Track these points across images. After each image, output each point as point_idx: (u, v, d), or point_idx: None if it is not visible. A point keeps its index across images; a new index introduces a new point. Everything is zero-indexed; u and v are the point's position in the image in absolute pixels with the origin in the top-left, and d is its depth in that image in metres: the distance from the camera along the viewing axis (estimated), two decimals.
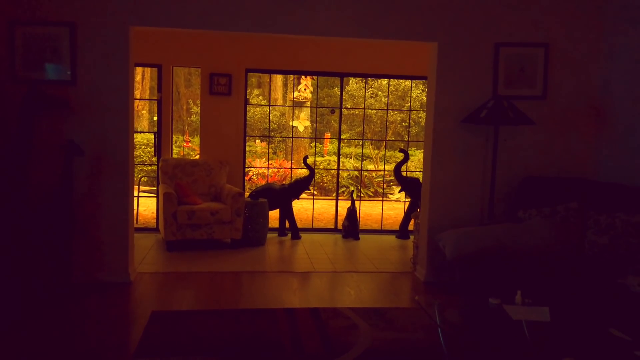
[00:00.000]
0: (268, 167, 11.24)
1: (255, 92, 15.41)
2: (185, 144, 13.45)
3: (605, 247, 3.85)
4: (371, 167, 13.08)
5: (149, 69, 13.61)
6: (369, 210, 9.98)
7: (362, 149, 11.65)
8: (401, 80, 13.19)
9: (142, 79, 15.73)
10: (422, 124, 13.69)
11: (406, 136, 13.44)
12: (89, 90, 4.58)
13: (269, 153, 10.25)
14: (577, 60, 5.04)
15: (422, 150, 13.08)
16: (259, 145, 13.87)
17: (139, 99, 14.91)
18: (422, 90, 13.55)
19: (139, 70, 15.26)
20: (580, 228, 4.05)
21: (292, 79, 13.60)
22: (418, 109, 12.97)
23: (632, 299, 3.08)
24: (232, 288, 4.82)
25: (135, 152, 12.06)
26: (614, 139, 4.84)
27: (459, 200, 5.03)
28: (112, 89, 4.61)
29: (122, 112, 4.64)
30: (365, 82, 13.25)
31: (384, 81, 13.46)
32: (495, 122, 4.65)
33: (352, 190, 8.42)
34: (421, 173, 10.41)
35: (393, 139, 13.89)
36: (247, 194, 7.12)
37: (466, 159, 5.02)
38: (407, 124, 13.37)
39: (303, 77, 12.72)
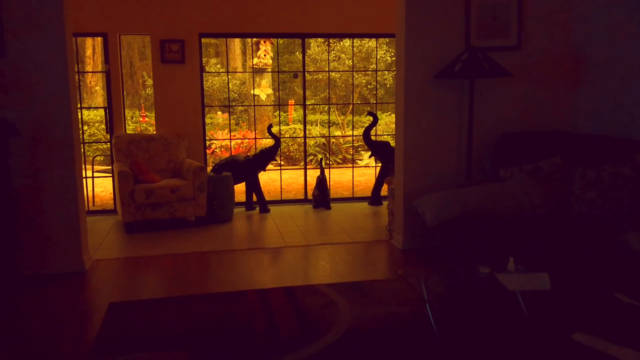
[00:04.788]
0: (230, 139, 10.78)
1: (213, 61, 14.79)
2: (141, 119, 12.83)
3: (593, 202, 3.62)
4: (338, 133, 12.73)
5: (100, 42, 12.84)
6: (339, 178, 9.68)
7: (329, 115, 11.27)
8: (365, 41, 12.77)
9: (93, 53, 14.92)
10: (388, 85, 13.37)
11: (372, 99, 13.11)
12: (21, 63, 4.06)
13: (230, 124, 9.77)
14: (553, 6, 4.73)
15: (389, 113, 12.82)
16: (220, 117, 13.33)
17: (83, 72, 14.10)
18: (386, 51, 13.17)
19: (89, 43, 14.44)
20: (566, 184, 3.81)
21: (250, 44, 13.03)
22: (382, 69, 12.61)
23: (634, 259, 2.84)
24: (198, 270, 4.46)
25: (89, 130, 11.46)
26: (595, 89, 4.59)
27: (435, 162, 4.75)
28: (48, 62, 4.10)
29: (61, 87, 4.14)
30: (328, 45, 12.78)
31: (347, 42, 13.01)
32: (471, 75, 4.34)
33: (321, 159, 8.08)
34: (389, 136, 10.13)
35: (359, 102, 13.54)
36: (210, 168, 6.71)
37: (441, 117, 4.72)
38: (372, 86, 13.02)
39: (262, 42, 12.14)
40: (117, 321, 3.42)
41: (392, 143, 6.76)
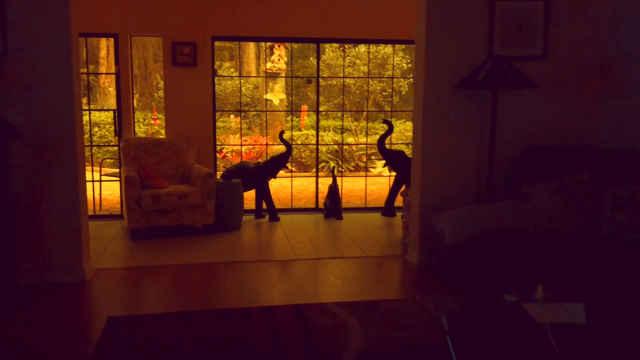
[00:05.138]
0: (241, 144, 10.61)
1: (227, 64, 14.67)
2: (153, 122, 12.70)
3: (625, 224, 3.38)
4: (351, 140, 12.52)
5: (113, 43, 12.79)
6: (351, 186, 9.46)
7: (342, 121, 11.05)
8: (380, 47, 12.56)
9: (107, 54, 14.90)
10: (403, 93, 13.15)
11: (387, 106, 12.89)
12: (24, 63, 3.90)
13: (241, 129, 9.59)
14: (582, 15, 4.50)
15: (404, 121, 12.58)
16: (233, 121, 13.18)
17: (94, 73, 14.05)
18: (403, 57, 12.96)
19: (103, 44, 14.41)
20: (595, 203, 3.57)
21: (264, 48, 12.87)
22: (398, 76, 12.39)
23: None
24: (203, 283, 4.27)
25: (99, 132, 11.34)
26: (624, 101, 4.34)
27: (455, 175, 4.52)
28: (52, 62, 3.94)
29: (64, 88, 3.98)
30: (343, 51, 12.59)
31: (362, 48, 12.81)
32: (495, 85, 4.12)
33: (333, 167, 7.88)
34: (404, 145, 9.91)
35: (373, 109, 13.32)
36: (219, 174, 6.54)
37: (461, 129, 4.49)
38: (387, 93, 12.81)
39: (276, 46, 11.97)
40: (116, 337, 3.22)
41: (407, 152, 6.54)
